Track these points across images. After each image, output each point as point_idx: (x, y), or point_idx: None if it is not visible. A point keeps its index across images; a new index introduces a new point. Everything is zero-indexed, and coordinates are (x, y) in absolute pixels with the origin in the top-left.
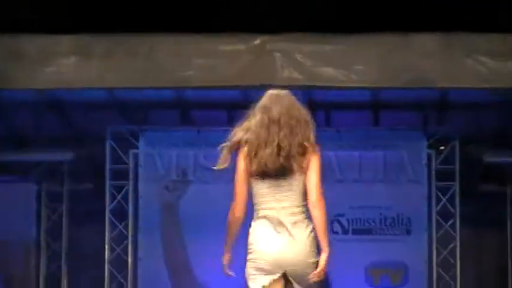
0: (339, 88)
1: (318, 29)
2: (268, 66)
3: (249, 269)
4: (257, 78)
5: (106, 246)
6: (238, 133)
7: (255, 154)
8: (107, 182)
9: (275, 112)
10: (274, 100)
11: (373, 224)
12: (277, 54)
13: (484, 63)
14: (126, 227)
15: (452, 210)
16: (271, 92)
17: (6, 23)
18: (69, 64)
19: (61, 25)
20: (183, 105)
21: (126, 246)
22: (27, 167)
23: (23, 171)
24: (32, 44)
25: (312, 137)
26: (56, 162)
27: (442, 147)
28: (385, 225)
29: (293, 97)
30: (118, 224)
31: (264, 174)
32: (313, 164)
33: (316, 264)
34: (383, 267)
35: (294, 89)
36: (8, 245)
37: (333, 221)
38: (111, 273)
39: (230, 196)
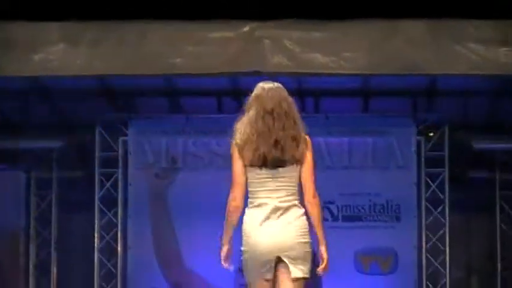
0: (328, 75)
1: (307, 15)
2: (257, 53)
3: (244, 260)
4: (246, 65)
5: (95, 234)
6: (240, 130)
7: (252, 146)
8: (96, 170)
9: (269, 104)
10: (267, 92)
11: (363, 210)
12: (267, 41)
13: (473, 49)
14: (115, 214)
15: (441, 196)
16: (263, 85)
17: None
18: (58, 51)
19: (50, 12)
20: (173, 93)
21: (116, 234)
22: (16, 155)
23: (12, 159)
24: (20, 31)
25: (302, 130)
26: (45, 149)
27: (432, 134)
28: (375, 211)
29: (284, 90)
30: (107, 212)
31: (261, 165)
32: (307, 159)
33: (310, 244)
34: (373, 254)
35: (283, 75)
36: None
37: (323, 207)
38: (100, 261)
39: (220, 183)
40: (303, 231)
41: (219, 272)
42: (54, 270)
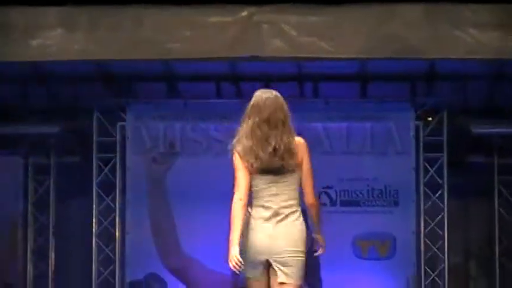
0: (326, 59)
1: (305, 0)
2: (255, 38)
3: (242, 255)
4: (244, 50)
5: (93, 220)
6: (241, 137)
7: (252, 154)
8: (94, 155)
9: (265, 113)
10: (264, 101)
11: (361, 195)
12: (265, 26)
13: (470, 34)
14: (113, 199)
15: (440, 181)
16: (261, 94)
17: None
18: (55, 37)
19: None
20: (171, 78)
21: (114, 219)
22: (14, 140)
23: (10, 145)
24: (17, 16)
25: (293, 134)
26: (43, 135)
27: (430, 119)
28: (373, 196)
29: (281, 98)
30: (105, 197)
31: (263, 172)
32: (305, 164)
33: (303, 253)
34: (371, 239)
35: (281, 60)
36: None
37: (321, 192)
38: (98, 246)
39: (218, 168)
40: (299, 242)
41: (217, 257)
42: (52, 255)
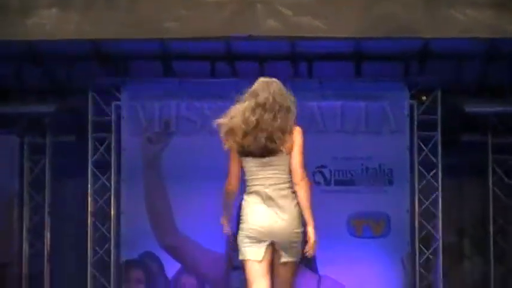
0: (321, 39)
1: None
2: (250, 17)
3: (241, 237)
4: (239, 29)
5: (89, 199)
6: (230, 116)
7: (242, 136)
8: (90, 134)
9: (262, 97)
10: (263, 87)
11: (355, 174)
12: (259, 5)
13: (465, 13)
14: (108, 179)
15: (434, 160)
16: (262, 80)
17: None
18: (50, 16)
19: None
20: (165, 57)
21: (109, 198)
22: (9, 120)
23: (5, 124)
24: None
25: (292, 122)
26: (39, 114)
27: (424, 98)
28: (367, 176)
29: (281, 85)
30: (101, 176)
31: (251, 154)
32: (296, 146)
33: (301, 233)
34: (365, 218)
35: (276, 40)
36: None
37: (315, 172)
38: (94, 225)
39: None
40: (296, 222)
41: (212, 236)
42: (47, 234)
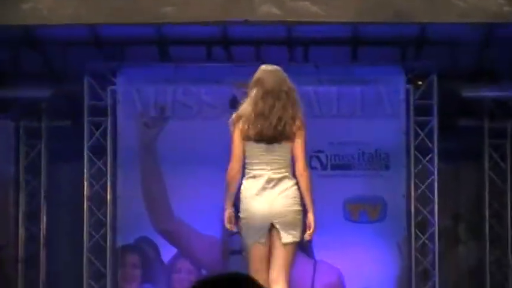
0: (318, 23)
1: None
2: (246, 2)
3: (242, 225)
4: (236, 13)
5: (85, 183)
6: (241, 107)
7: (252, 123)
8: (85, 119)
9: (268, 86)
10: (267, 75)
11: (352, 159)
12: None
13: None
14: (104, 163)
15: (430, 145)
16: (264, 67)
17: None
18: (46, 0)
19: None
20: (161, 42)
21: (105, 183)
22: (5, 104)
23: (1, 109)
24: None
25: (300, 112)
26: (34, 99)
27: (420, 83)
28: (364, 160)
29: (283, 73)
30: (97, 161)
31: (260, 140)
32: (300, 136)
33: (301, 212)
34: (361, 203)
35: (272, 24)
36: None
37: (312, 157)
38: (90, 210)
39: (208, 132)
40: (294, 201)
41: (208, 220)
42: (43, 219)
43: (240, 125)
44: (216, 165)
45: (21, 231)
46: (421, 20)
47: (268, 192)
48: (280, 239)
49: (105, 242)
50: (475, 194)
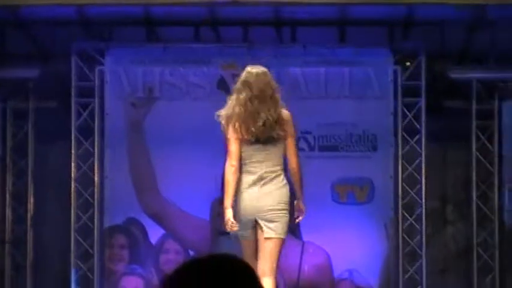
0: (305, 4)
1: None
2: None
3: (237, 216)
4: None
5: (72, 164)
6: (231, 107)
7: (245, 125)
8: (73, 99)
9: (255, 90)
10: (254, 79)
11: (339, 140)
12: None
13: None
14: (92, 144)
15: (418, 126)
16: (250, 69)
17: None
18: None
19: None
20: (150, 22)
21: (93, 164)
22: None
23: None
24: None
25: (282, 109)
26: (22, 79)
27: (408, 64)
28: (351, 141)
29: (269, 74)
30: (84, 142)
31: (253, 141)
32: (290, 134)
33: (286, 212)
34: (349, 184)
35: (260, 5)
36: None
37: (299, 138)
38: (77, 191)
39: (196, 112)
40: (283, 201)
41: (196, 202)
42: (31, 200)
43: (233, 123)
44: (204, 145)
45: (8, 212)
46: (409, 1)
47: (257, 189)
48: (263, 233)
49: (93, 222)
50: (462, 175)
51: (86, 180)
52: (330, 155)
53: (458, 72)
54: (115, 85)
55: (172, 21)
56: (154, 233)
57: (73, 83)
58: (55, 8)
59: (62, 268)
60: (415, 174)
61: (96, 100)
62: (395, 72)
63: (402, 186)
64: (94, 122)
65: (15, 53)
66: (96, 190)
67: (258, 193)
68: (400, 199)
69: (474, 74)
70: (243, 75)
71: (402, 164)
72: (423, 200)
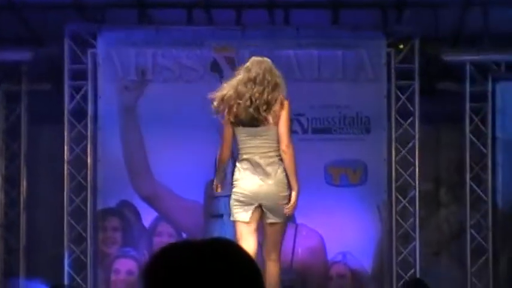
0: None
1: None
2: None
3: (232, 201)
4: None
5: (65, 147)
6: (224, 89)
7: (233, 106)
8: (66, 82)
9: (253, 72)
10: (255, 63)
11: (333, 123)
12: None
13: None
14: (85, 127)
15: (411, 108)
16: (254, 58)
17: None
18: None
19: None
20: (142, 4)
21: (86, 146)
22: None
23: None
24: None
25: (279, 96)
26: (14, 62)
27: (402, 46)
28: (345, 124)
29: (271, 64)
30: (77, 124)
31: (241, 123)
32: (283, 117)
33: (287, 196)
34: (342, 166)
35: None
36: None
37: (293, 120)
38: (70, 174)
39: (188, 95)
40: (281, 187)
41: (189, 184)
42: (23, 183)
43: (224, 108)
44: (197, 128)
45: (1, 195)
46: None
47: (257, 176)
48: (266, 219)
49: (86, 205)
50: (455, 158)
51: (78, 163)
52: (323, 138)
53: (451, 55)
54: (107, 68)
55: (165, 3)
56: (148, 216)
57: (66, 66)
58: None
59: (55, 251)
60: (409, 156)
61: (89, 83)
62: (388, 55)
63: (395, 168)
64: (87, 105)
65: (7, 36)
66: (89, 173)
67: (258, 180)
68: (393, 181)
69: (467, 57)
70: (247, 63)
71: (395, 146)
72: (417, 183)
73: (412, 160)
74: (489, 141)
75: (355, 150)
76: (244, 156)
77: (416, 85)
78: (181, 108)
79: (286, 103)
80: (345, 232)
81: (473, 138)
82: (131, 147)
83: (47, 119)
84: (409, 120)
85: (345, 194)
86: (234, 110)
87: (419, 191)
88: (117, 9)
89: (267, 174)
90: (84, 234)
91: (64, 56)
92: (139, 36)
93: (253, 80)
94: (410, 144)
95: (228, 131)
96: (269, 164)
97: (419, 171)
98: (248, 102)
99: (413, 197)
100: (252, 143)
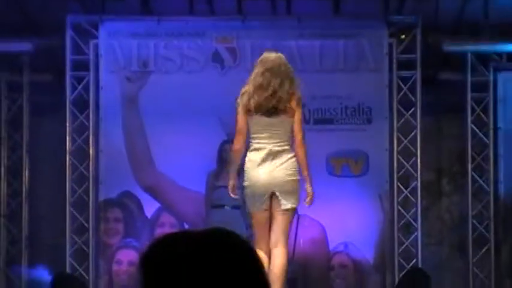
0: None
1: None
2: None
3: (246, 192)
4: None
5: (67, 137)
6: (246, 85)
7: (253, 96)
8: (68, 73)
9: (268, 65)
10: (270, 56)
11: (334, 113)
12: None
13: None
14: (87, 117)
15: (412, 98)
16: (267, 51)
17: None
18: None
19: None
20: None
21: (88, 137)
22: None
23: None
24: None
25: (296, 89)
26: (16, 53)
27: (403, 36)
28: (346, 114)
29: (284, 57)
30: (79, 115)
31: (259, 113)
32: (298, 113)
33: (298, 181)
34: (344, 157)
35: None
36: None
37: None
38: (72, 164)
39: (191, 86)
40: (293, 171)
41: (191, 175)
42: (26, 173)
43: (243, 100)
44: (199, 119)
45: (3, 186)
46: None
47: (269, 163)
48: (280, 205)
49: (88, 196)
50: (457, 148)
51: (80, 153)
52: (324, 128)
53: (452, 45)
54: (109, 58)
55: None
56: (150, 207)
57: (67, 57)
58: None
59: (57, 242)
60: (410, 146)
61: (91, 73)
62: (390, 45)
63: (397, 158)
64: (89, 96)
65: (8, 26)
66: (91, 163)
67: (270, 167)
68: (395, 172)
69: (469, 47)
70: (261, 56)
71: (397, 136)
72: (418, 173)
73: (413, 150)
74: (491, 132)
75: (356, 141)
76: (256, 146)
77: (418, 75)
78: (183, 99)
79: (300, 97)
80: (347, 222)
81: (475, 129)
82: (133, 137)
83: (48, 109)
84: (410, 111)
85: (347, 185)
86: (256, 98)
87: (421, 181)
88: (119, 0)
89: (278, 161)
90: (86, 224)
91: (66, 47)
92: (141, 27)
93: (270, 71)
94: (412, 135)
95: (243, 121)
96: (280, 152)
97: (421, 162)
98: (271, 91)
99: (415, 187)
100: (266, 133)
